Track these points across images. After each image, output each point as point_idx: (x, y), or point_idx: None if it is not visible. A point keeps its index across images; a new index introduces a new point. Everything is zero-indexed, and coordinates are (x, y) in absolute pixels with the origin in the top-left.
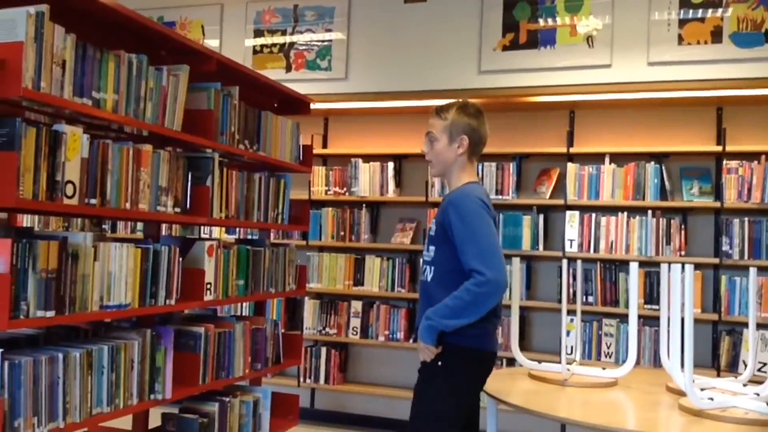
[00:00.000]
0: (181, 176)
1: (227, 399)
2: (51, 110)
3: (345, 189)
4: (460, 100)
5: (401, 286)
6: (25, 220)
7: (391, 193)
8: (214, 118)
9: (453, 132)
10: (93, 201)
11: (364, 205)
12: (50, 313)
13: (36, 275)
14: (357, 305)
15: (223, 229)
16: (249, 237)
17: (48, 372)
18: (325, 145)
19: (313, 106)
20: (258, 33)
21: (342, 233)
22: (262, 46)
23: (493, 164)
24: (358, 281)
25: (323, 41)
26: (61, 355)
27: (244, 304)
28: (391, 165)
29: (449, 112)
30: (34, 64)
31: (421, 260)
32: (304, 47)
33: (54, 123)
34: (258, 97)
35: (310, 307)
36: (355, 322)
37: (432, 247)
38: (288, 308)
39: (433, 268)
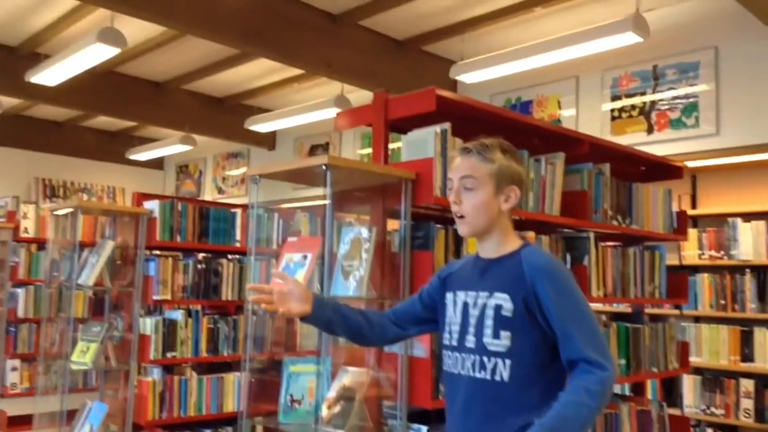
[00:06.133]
0: (560, 257)
1: None
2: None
3: (722, 252)
4: (497, 139)
5: None
6: None
7: None
8: (588, 197)
9: (501, 180)
10: None
11: (747, 269)
12: None
13: None
14: (747, 384)
15: None
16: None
17: None
18: (694, 206)
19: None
20: (615, 98)
21: (722, 302)
22: (620, 110)
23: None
24: (747, 356)
25: (688, 96)
26: None
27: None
28: None
29: (494, 153)
30: (441, 174)
31: (458, 347)
32: (666, 106)
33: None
34: (625, 168)
35: (690, 383)
36: (747, 403)
37: (506, 333)
38: (664, 384)
39: (508, 362)
